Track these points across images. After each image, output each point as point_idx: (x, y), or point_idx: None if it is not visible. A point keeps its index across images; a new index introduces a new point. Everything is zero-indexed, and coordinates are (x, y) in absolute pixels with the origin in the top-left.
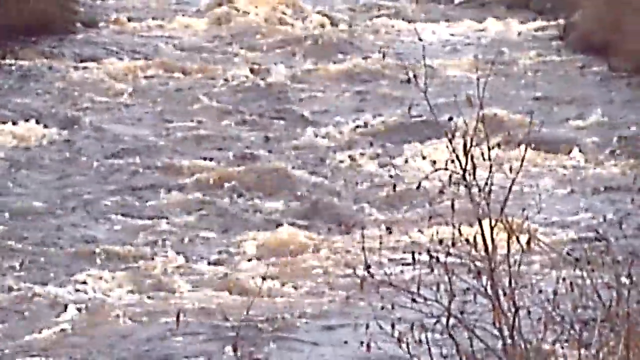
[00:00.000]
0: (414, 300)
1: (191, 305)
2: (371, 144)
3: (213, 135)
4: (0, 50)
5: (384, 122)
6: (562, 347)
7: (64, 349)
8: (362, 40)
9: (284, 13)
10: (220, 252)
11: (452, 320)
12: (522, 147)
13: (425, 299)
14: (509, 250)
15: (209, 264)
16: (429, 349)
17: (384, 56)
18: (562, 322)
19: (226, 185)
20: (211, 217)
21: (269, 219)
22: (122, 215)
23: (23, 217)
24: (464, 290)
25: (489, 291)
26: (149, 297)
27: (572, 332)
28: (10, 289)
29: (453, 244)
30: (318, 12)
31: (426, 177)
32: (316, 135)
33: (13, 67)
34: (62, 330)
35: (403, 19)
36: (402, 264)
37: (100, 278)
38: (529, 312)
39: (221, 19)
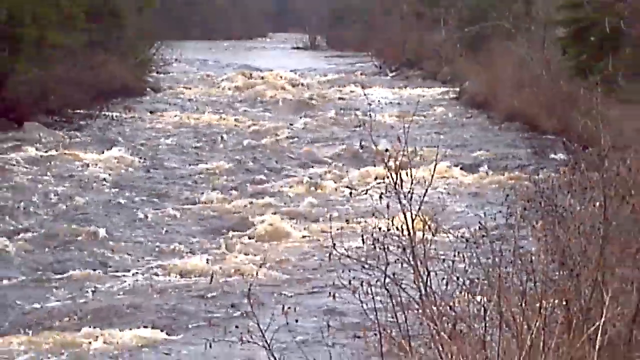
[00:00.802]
0: (363, 267)
1: (213, 274)
2: (334, 167)
3: (218, 170)
4: (99, 105)
5: (344, 153)
6: (459, 296)
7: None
8: (330, 100)
9: (282, 87)
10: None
11: (387, 280)
12: (432, 168)
13: (370, 265)
14: (424, 234)
15: (226, 249)
16: (373, 297)
17: (341, 109)
18: (458, 280)
19: (230, 205)
20: (224, 223)
21: (265, 220)
22: (168, 218)
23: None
24: (395, 260)
25: (411, 261)
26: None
27: (464, 286)
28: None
29: (388, 230)
30: (303, 84)
31: (371, 188)
32: (297, 164)
33: (106, 117)
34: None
35: (355, 85)
36: (356, 244)
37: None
38: (436, 274)
39: (240, 87)
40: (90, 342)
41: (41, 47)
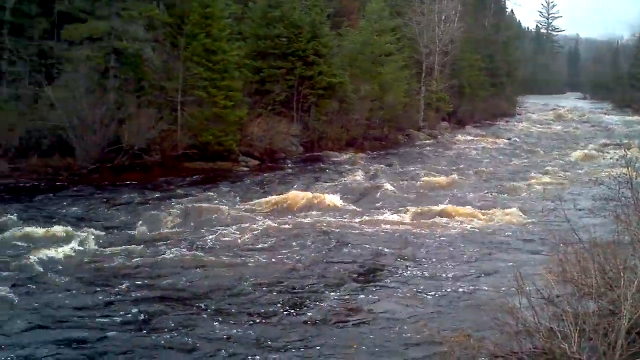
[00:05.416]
0: (609, 187)
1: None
2: (591, 147)
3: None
4: (494, 120)
5: (595, 143)
6: None
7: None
8: (589, 119)
9: (570, 113)
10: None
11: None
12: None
13: (610, 187)
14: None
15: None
16: (613, 197)
17: (588, 123)
18: None
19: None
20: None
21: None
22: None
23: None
24: (620, 188)
25: (630, 186)
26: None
27: None
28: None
29: (618, 175)
30: (578, 112)
31: (611, 157)
32: (579, 141)
33: (496, 125)
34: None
35: (601, 113)
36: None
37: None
38: None
39: (552, 115)
40: None
41: (473, 95)
